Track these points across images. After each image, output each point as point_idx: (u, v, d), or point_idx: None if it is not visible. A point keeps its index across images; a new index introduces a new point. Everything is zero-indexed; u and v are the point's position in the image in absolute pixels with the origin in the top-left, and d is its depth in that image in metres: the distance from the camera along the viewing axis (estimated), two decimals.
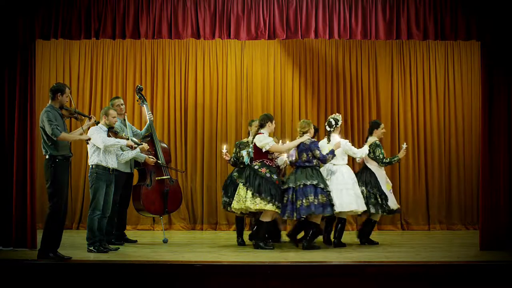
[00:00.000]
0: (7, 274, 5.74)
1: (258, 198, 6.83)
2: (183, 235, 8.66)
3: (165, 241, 7.54)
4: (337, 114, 7.49)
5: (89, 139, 6.35)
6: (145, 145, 7.32)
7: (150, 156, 7.46)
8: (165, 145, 8.11)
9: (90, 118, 6.64)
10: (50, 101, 6.23)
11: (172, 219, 9.26)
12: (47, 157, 6.13)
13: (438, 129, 9.64)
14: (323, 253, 6.75)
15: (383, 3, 7.12)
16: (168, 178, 7.69)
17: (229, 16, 7.11)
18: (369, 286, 5.66)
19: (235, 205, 6.98)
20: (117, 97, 7.74)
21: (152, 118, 7.82)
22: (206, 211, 9.36)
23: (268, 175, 6.93)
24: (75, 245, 7.10)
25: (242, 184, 6.99)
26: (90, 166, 6.74)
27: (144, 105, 7.90)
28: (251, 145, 7.21)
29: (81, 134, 6.42)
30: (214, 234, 8.82)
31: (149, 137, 7.71)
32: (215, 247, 7.27)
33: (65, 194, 6.22)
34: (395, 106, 9.66)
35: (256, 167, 7.00)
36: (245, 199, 6.87)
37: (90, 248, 6.64)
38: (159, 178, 7.62)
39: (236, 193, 7.03)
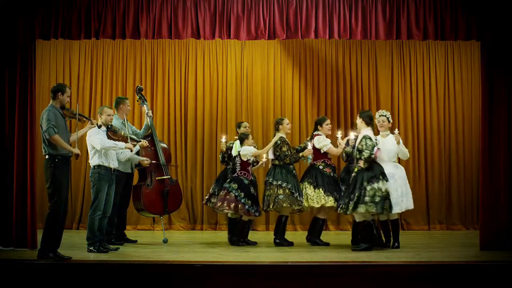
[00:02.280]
0: (7, 274, 5.74)
1: (331, 197, 7.24)
2: (183, 235, 8.66)
3: (165, 241, 7.54)
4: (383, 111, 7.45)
5: (78, 154, 6.26)
6: (144, 142, 7.33)
7: (144, 158, 7.42)
8: (165, 145, 8.11)
9: (91, 122, 6.63)
10: (51, 101, 6.23)
11: (172, 219, 9.27)
12: (47, 157, 6.13)
13: (438, 129, 9.65)
14: (323, 253, 6.75)
15: (383, 3, 7.12)
16: (168, 178, 7.69)
17: (229, 16, 7.11)
18: (369, 286, 5.66)
19: (304, 203, 7.29)
20: (126, 98, 7.74)
21: (152, 118, 7.81)
22: (206, 211, 9.35)
23: (332, 174, 7.37)
24: (75, 245, 7.09)
25: (309, 184, 7.32)
26: (92, 166, 6.73)
27: (144, 105, 7.90)
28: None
29: (74, 142, 6.35)
30: (214, 234, 8.82)
31: (149, 137, 7.71)
32: (215, 247, 7.27)
33: (65, 194, 6.21)
34: (395, 106, 9.66)
35: (320, 167, 7.37)
36: (318, 197, 7.24)
37: (90, 248, 6.64)
38: (160, 178, 7.62)
39: (304, 192, 7.29)
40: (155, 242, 7.78)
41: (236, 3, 7.11)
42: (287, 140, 7.50)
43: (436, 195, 9.53)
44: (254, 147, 7.49)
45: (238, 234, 7.40)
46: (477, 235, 7.28)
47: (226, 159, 7.75)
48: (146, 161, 7.41)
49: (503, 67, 7.01)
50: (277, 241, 7.37)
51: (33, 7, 6.97)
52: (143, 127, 7.86)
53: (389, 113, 7.31)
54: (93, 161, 6.71)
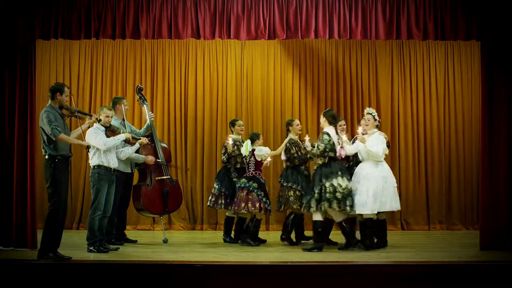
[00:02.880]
0: (7, 274, 5.74)
1: None
2: (183, 235, 8.66)
3: (165, 241, 7.54)
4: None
5: (88, 146, 6.32)
6: (144, 139, 7.34)
7: (149, 156, 7.45)
8: (165, 145, 8.11)
9: (90, 117, 6.64)
10: (49, 101, 6.23)
11: (172, 219, 9.26)
12: (46, 157, 6.13)
13: (438, 129, 9.64)
14: (323, 253, 6.75)
15: (383, 3, 7.12)
16: (168, 178, 7.69)
17: (229, 16, 7.11)
18: (369, 286, 5.66)
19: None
20: (122, 97, 7.75)
21: (152, 118, 7.82)
22: (206, 211, 9.35)
23: None
24: (75, 245, 7.09)
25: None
26: (92, 166, 6.74)
27: (144, 105, 7.90)
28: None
29: (79, 136, 6.39)
30: (214, 234, 8.81)
31: (149, 137, 7.70)
32: (215, 247, 7.27)
33: (65, 194, 6.22)
34: (395, 106, 9.66)
35: None
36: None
37: (90, 248, 6.64)
38: (160, 178, 7.62)
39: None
40: (155, 242, 7.77)
41: (236, 3, 7.11)
42: (297, 141, 7.54)
43: (436, 195, 9.52)
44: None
45: (253, 234, 7.43)
46: (477, 235, 7.28)
47: (230, 159, 7.72)
48: (150, 158, 7.42)
49: (503, 67, 7.01)
50: (283, 236, 7.47)
51: (33, 7, 6.97)
52: (144, 126, 7.86)
53: (374, 110, 7.23)
54: (93, 161, 6.71)
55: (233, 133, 7.87)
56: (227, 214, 7.72)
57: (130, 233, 8.06)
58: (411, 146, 9.57)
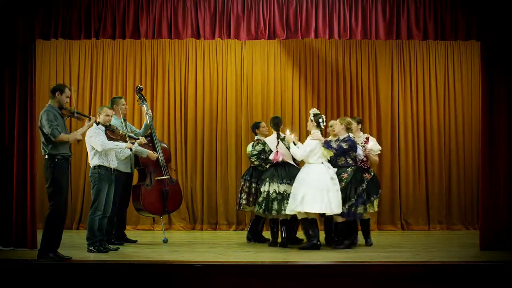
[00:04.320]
0: (7, 274, 5.74)
1: None
2: (183, 235, 8.66)
3: (165, 241, 7.54)
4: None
5: (80, 140, 6.32)
6: (142, 139, 7.36)
7: (152, 151, 7.45)
8: (165, 145, 8.11)
9: (89, 119, 6.63)
10: (49, 101, 6.23)
11: (172, 219, 9.26)
12: (46, 157, 6.13)
13: (438, 129, 9.64)
14: (323, 253, 6.75)
15: (383, 3, 7.12)
16: (168, 178, 7.69)
17: (229, 16, 7.11)
18: (369, 286, 5.66)
19: None
20: (120, 97, 7.75)
21: (151, 118, 7.82)
22: (206, 211, 9.35)
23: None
24: (75, 245, 7.09)
25: None
26: (92, 167, 6.74)
27: (144, 105, 7.90)
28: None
29: (75, 140, 6.39)
30: (214, 234, 8.82)
31: (149, 137, 7.71)
32: (215, 247, 7.27)
33: (65, 193, 6.22)
34: (395, 106, 9.66)
35: None
36: None
37: (90, 248, 6.64)
38: (159, 178, 7.62)
39: None
40: (155, 242, 7.77)
41: (236, 3, 7.11)
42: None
43: (436, 195, 9.52)
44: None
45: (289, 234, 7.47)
46: (477, 235, 7.28)
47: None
48: (155, 154, 7.44)
49: (503, 67, 7.01)
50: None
51: (33, 7, 6.97)
52: (143, 126, 7.88)
53: (313, 112, 7.09)
54: (93, 161, 6.72)
55: (256, 135, 7.80)
56: (257, 213, 7.62)
57: (130, 233, 8.06)
58: (411, 146, 9.57)
